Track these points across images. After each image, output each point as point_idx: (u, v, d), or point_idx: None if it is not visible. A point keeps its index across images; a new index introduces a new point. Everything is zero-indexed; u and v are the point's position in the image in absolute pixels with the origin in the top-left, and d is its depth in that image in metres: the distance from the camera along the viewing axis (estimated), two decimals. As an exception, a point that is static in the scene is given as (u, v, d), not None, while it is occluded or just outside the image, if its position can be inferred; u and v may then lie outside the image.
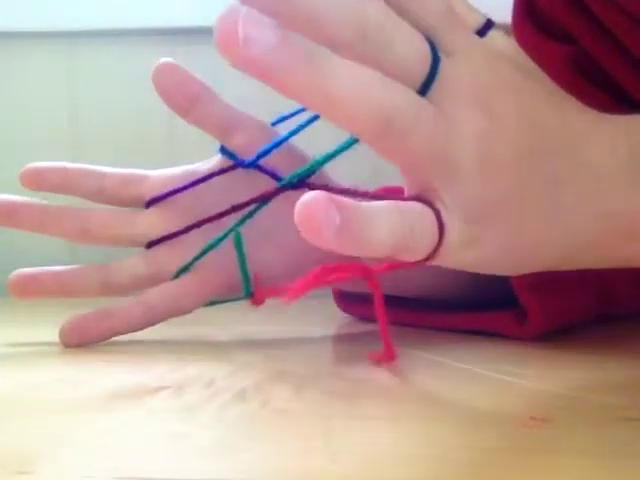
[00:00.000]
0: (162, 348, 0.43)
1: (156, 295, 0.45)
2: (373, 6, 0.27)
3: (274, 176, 0.44)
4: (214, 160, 0.47)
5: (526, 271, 0.34)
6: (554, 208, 0.31)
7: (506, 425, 0.27)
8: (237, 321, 0.52)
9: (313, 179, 0.39)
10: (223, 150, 0.46)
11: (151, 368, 0.37)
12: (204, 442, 0.25)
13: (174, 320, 0.45)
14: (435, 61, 0.28)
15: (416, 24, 0.29)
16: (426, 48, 0.29)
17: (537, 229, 0.31)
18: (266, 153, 0.45)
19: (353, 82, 0.26)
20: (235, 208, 0.43)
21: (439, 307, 0.49)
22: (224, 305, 0.47)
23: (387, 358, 0.36)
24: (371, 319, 0.51)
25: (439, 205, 0.29)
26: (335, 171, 0.47)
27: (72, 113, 0.78)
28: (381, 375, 0.35)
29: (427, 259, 0.29)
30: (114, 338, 0.44)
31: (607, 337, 0.45)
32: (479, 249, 0.30)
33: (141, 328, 0.45)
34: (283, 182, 0.40)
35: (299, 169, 0.38)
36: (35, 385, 0.34)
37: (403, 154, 0.29)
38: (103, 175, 0.47)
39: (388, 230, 0.27)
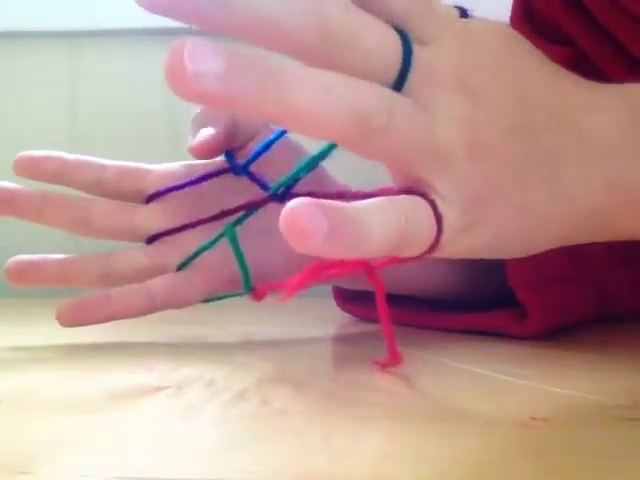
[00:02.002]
0: (162, 348, 0.43)
1: (159, 284, 0.45)
2: (334, 5, 0.26)
3: (262, 185, 0.44)
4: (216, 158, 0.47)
5: (535, 251, 0.33)
6: (554, 183, 0.31)
7: (506, 425, 0.27)
8: (237, 321, 0.52)
9: (312, 180, 0.39)
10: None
11: (151, 368, 0.37)
12: (204, 442, 0.25)
13: (174, 320, 0.45)
14: (407, 52, 0.28)
15: (385, 17, 0.28)
16: (396, 40, 0.28)
17: (538, 206, 0.31)
18: (254, 159, 0.45)
19: (317, 91, 0.25)
20: (225, 213, 0.43)
21: (438, 307, 0.49)
22: (224, 305, 0.47)
23: (392, 363, 0.35)
24: (371, 319, 0.52)
25: (434, 196, 0.28)
26: (333, 169, 0.47)
27: (73, 112, 0.78)
28: (381, 375, 0.35)
29: (427, 252, 0.29)
30: (114, 338, 0.44)
31: (607, 337, 0.45)
32: (479, 233, 0.30)
33: (140, 315, 0.44)
34: (270, 192, 0.40)
35: (284, 177, 0.38)
36: (34, 385, 0.34)
37: (386, 152, 0.28)
38: (102, 167, 0.47)
39: (383, 227, 0.26)
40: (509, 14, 0.51)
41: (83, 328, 0.45)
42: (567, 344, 0.42)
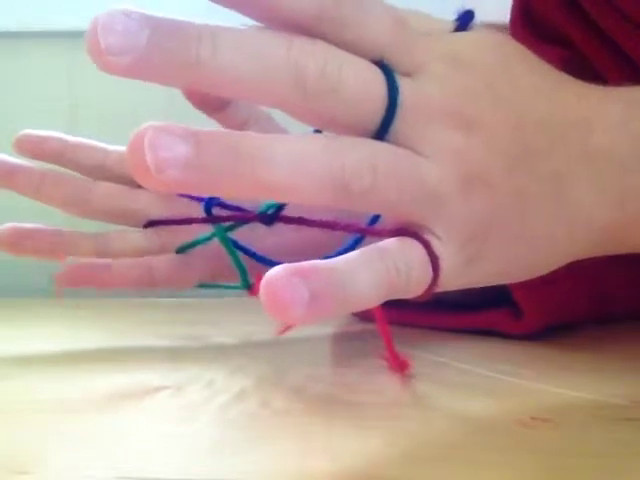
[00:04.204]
0: (162, 348, 0.43)
1: (160, 262, 0.44)
2: (311, 57, 0.25)
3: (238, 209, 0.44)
4: None
5: (543, 272, 0.32)
6: (558, 205, 0.30)
7: (506, 425, 0.27)
8: (237, 321, 0.52)
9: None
10: None
11: (151, 368, 0.37)
12: (204, 442, 0.25)
13: (174, 320, 0.45)
14: (392, 94, 0.26)
15: (366, 52, 0.26)
16: (380, 81, 0.26)
17: (542, 231, 0.30)
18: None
19: (292, 164, 0.24)
20: (216, 219, 0.43)
21: (436, 306, 0.49)
22: (224, 305, 0.47)
23: (401, 369, 0.35)
24: (371, 318, 0.52)
25: (429, 237, 0.27)
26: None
27: (73, 112, 0.78)
28: (381, 375, 0.35)
29: (426, 292, 0.28)
30: (114, 338, 0.44)
31: (607, 337, 0.45)
32: (480, 266, 0.29)
33: (137, 288, 0.44)
34: (259, 211, 0.40)
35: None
36: (35, 385, 0.34)
37: (374, 207, 0.27)
38: (104, 151, 0.46)
39: (371, 283, 0.25)
40: (509, 15, 0.51)
41: (82, 329, 0.45)
42: (567, 344, 0.42)
